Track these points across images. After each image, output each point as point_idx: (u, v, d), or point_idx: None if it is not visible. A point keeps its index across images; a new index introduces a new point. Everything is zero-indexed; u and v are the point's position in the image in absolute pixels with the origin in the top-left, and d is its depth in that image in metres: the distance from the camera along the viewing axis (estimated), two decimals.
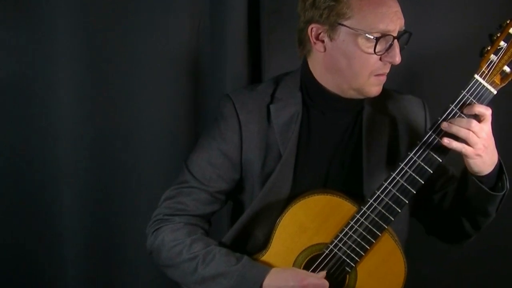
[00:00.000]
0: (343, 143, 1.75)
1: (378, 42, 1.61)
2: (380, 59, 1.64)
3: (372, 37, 1.60)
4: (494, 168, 1.62)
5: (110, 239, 2.26)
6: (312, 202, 1.66)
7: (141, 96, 2.19)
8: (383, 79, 1.68)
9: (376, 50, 1.62)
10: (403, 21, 1.64)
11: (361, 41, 1.62)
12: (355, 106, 1.75)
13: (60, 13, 2.13)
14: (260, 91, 1.77)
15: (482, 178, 1.61)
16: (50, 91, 2.17)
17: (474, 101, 1.57)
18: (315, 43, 1.69)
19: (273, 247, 1.67)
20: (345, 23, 1.63)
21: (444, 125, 1.57)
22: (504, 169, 1.64)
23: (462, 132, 1.54)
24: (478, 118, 1.56)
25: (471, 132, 1.54)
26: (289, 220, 1.66)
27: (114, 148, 2.21)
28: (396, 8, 1.63)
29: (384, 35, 1.61)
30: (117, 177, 2.23)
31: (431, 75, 2.19)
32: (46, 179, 2.22)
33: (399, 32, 1.63)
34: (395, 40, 1.62)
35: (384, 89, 1.80)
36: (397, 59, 1.63)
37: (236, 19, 2.14)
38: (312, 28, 1.68)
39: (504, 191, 1.64)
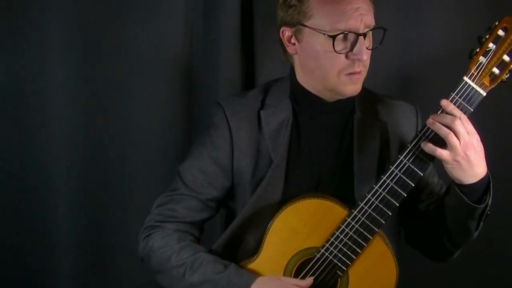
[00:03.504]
0: (334, 148, 1.75)
1: (337, 41, 1.60)
2: (347, 57, 1.63)
3: (330, 36, 1.60)
4: (481, 182, 1.60)
5: (103, 244, 2.25)
6: (303, 206, 1.66)
7: (134, 101, 2.18)
8: (357, 77, 1.66)
9: (337, 49, 1.61)
10: (369, 17, 1.62)
11: (322, 41, 1.62)
12: (342, 109, 1.75)
13: (53, 16, 2.13)
14: (250, 97, 1.78)
15: (464, 189, 1.60)
16: (42, 95, 2.16)
17: (464, 103, 1.57)
18: (287, 45, 1.71)
19: (265, 252, 1.67)
20: (306, 23, 1.63)
21: (429, 121, 1.56)
22: (491, 187, 1.62)
23: (443, 130, 1.54)
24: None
25: (451, 133, 1.53)
26: (280, 224, 1.67)
27: (107, 152, 2.20)
28: (358, 4, 1.60)
29: (345, 33, 1.60)
30: (110, 182, 2.22)
31: (420, 77, 2.18)
32: (38, 183, 2.20)
33: (366, 28, 1.62)
34: (360, 38, 1.61)
35: (376, 94, 1.80)
36: (363, 57, 1.62)
37: (229, 23, 2.13)
38: (283, 31, 1.70)
39: (484, 205, 1.61)
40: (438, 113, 1.57)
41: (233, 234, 1.73)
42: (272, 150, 1.72)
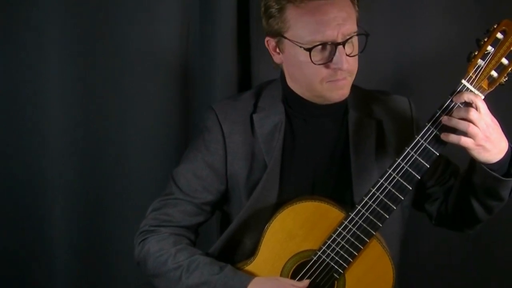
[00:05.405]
0: (329, 150, 1.74)
1: (314, 52, 1.59)
2: (328, 66, 1.62)
3: (306, 49, 1.59)
4: (506, 154, 1.59)
5: (100, 246, 2.25)
6: (300, 208, 1.66)
7: (131, 103, 2.19)
8: (342, 83, 1.65)
9: (314, 60, 1.60)
10: (347, 26, 1.60)
11: (300, 52, 1.61)
12: (335, 111, 1.74)
13: (50, 17, 2.13)
14: (243, 100, 1.77)
15: (493, 166, 1.59)
16: (39, 96, 2.17)
17: (462, 106, 1.57)
18: (273, 55, 1.71)
19: (262, 254, 1.67)
20: (286, 35, 1.63)
21: (444, 119, 1.55)
22: None
23: (461, 124, 1.53)
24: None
25: (470, 124, 1.52)
26: (277, 227, 1.66)
27: (104, 155, 2.21)
28: (335, 14, 1.59)
29: (322, 44, 1.59)
30: (106, 184, 2.22)
31: (419, 80, 2.18)
32: (34, 185, 2.21)
33: (346, 36, 1.60)
34: (339, 47, 1.59)
35: (369, 92, 1.80)
36: (343, 66, 1.60)
37: (226, 24, 2.14)
38: (268, 41, 1.70)
39: None
40: (441, 109, 1.56)
41: (230, 237, 1.73)
42: (266, 154, 1.72)
